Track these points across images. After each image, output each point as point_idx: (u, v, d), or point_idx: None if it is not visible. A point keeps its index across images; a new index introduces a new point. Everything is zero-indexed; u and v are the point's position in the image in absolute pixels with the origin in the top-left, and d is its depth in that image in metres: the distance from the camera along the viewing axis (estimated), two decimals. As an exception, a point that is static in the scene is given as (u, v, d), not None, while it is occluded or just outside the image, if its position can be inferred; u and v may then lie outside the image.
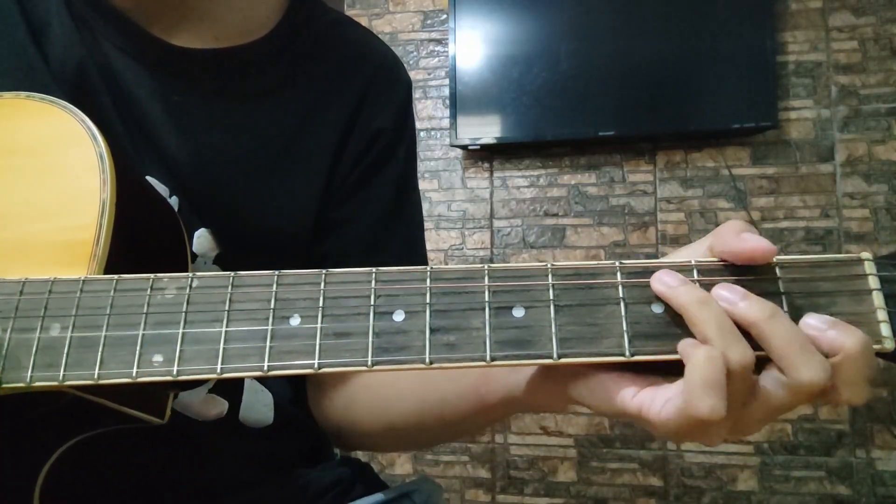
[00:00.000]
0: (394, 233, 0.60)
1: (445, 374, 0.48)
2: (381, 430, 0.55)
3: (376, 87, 0.60)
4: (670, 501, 1.74)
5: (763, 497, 1.70)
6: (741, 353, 0.29)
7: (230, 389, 0.53)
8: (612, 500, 1.77)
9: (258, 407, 0.55)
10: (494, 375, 0.43)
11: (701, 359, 0.29)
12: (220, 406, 0.52)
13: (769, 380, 0.30)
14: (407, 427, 0.53)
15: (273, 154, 0.55)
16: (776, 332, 0.30)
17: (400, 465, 1.89)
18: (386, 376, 0.54)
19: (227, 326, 0.34)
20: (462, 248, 1.91)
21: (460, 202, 1.93)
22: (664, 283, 0.32)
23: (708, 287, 0.32)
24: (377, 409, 0.54)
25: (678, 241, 1.80)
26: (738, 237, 0.32)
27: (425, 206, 1.90)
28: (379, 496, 0.56)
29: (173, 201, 0.51)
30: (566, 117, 1.81)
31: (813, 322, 0.31)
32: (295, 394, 0.60)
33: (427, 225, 1.90)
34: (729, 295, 0.31)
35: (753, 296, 0.31)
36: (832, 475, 1.68)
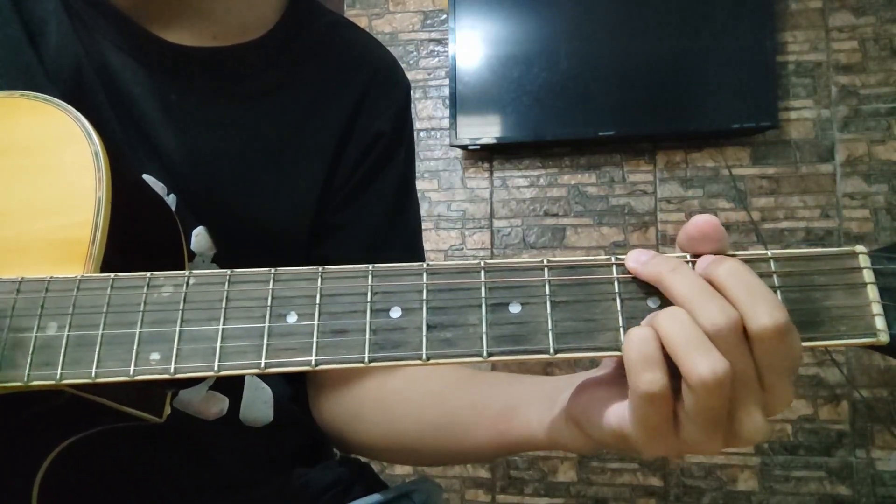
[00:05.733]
0: (393, 235, 0.60)
1: (466, 403, 0.48)
2: (390, 447, 0.55)
3: (375, 89, 0.60)
4: (670, 501, 1.74)
5: (763, 497, 1.70)
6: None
7: (231, 387, 0.53)
8: (612, 500, 1.77)
9: (258, 404, 0.55)
10: (517, 415, 0.43)
11: (632, 337, 0.30)
12: (221, 404, 0.52)
13: None
14: (419, 449, 0.52)
15: (270, 154, 0.55)
16: (677, 281, 0.31)
17: (400, 466, 1.89)
18: (398, 394, 0.53)
19: (223, 324, 0.34)
20: (462, 249, 1.91)
21: (460, 202, 1.93)
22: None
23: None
24: (388, 427, 0.54)
25: (678, 242, 1.79)
26: (683, 229, 0.33)
27: (425, 206, 1.90)
28: (378, 496, 0.56)
29: (171, 199, 0.51)
30: (566, 117, 1.81)
31: None
32: (294, 392, 0.60)
33: (427, 225, 1.89)
34: (636, 255, 0.33)
35: (659, 254, 0.32)
36: (832, 475, 1.67)
